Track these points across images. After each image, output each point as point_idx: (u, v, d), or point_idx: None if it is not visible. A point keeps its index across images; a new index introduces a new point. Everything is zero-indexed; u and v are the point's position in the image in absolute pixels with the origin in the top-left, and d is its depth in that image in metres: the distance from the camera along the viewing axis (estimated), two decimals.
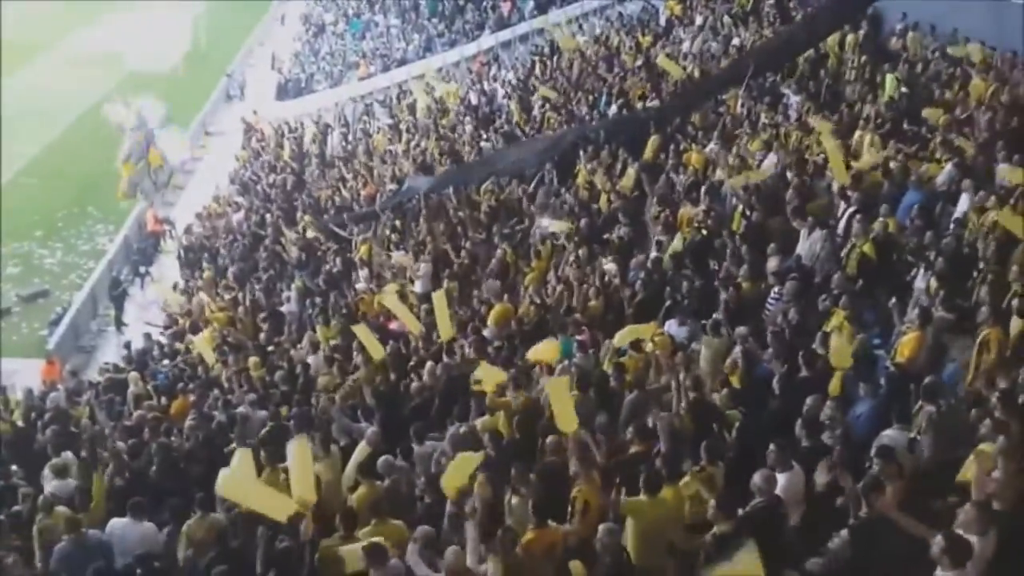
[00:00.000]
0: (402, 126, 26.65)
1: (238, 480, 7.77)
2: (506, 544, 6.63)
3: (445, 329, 11.83)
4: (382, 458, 8.66)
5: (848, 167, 12.77)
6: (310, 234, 19.64)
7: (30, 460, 11.19)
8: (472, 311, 13.24)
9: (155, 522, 8.56)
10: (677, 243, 12.84)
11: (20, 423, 13.31)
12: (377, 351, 11.64)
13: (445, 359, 11.36)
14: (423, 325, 12.81)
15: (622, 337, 10.22)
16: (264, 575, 7.24)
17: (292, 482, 7.63)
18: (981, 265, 9.80)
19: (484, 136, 22.21)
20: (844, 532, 6.13)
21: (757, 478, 6.76)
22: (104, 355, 20.50)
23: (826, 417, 7.72)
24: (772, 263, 11.39)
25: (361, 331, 12.03)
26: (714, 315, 10.45)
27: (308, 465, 7.80)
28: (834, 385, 8.37)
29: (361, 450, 9.04)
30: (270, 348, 14.58)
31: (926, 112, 14.72)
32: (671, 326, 10.85)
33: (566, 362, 10.26)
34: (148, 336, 17.89)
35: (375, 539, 7.01)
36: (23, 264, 26.45)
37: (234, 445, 9.77)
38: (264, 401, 11.54)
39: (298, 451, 7.86)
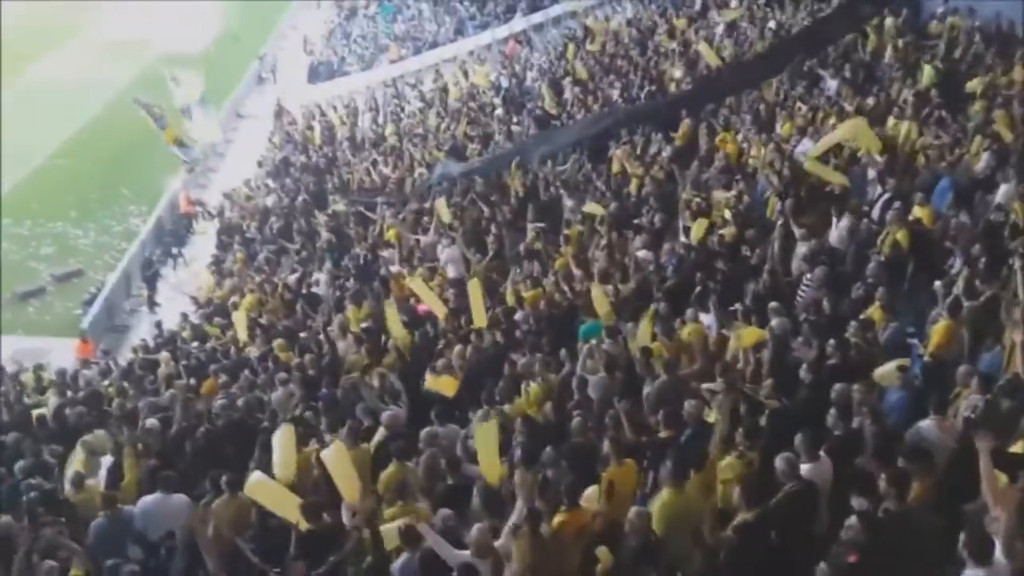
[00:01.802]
0: (433, 109, 26.62)
1: (265, 485, 7.86)
2: (532, 526, 6.62)
3: (479, 316, 11.83)
4: (426, 430, 8.73)
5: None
6: (341, 216, 19.71)
7: (63, 438, 11.30)
8: (501, 296, 13.21)
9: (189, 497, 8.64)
10: (698, 230, 12.73)
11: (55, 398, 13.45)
12: (400, 334, 11.67)
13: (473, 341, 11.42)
14: (452, 308, 12.83)
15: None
16: (297, 555, 7.28)
17: (341, 489, 7.80)
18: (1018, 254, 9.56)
19: (515, 120, 22.14)
20: (854, 519, 6.02)
21: (779, 463, 6.71)
22: (137, 334, 20.72)
23: (857, 402, 7.62)
24: (802, 249, 11.28)
25: (390, 312, 12.08)
26: (746, 301, 10.35)
27: (349, 468, 7.94)
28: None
29: (380, 433, 9.11)
30: (303, 331, 14.61)
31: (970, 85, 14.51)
32: (701, 312, 10.76)
33: (593, 342, 10.25)
34: (184, 316, 18.07)
35: (410, 521, 7.03)
36: (57, 244, 26.75)
37: (265, 424, 9.86)
38: (293, 382, 11.57)
39: (336, 456, 8.00)
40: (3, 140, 29.93)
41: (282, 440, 8.39)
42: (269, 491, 7.77)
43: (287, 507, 7.54)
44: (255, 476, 7.99)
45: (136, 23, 44.36)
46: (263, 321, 15.32)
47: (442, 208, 16.07)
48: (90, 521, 8.50)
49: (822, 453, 7.02)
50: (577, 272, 12.78)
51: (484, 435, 8.04)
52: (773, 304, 9.86)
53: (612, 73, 22.36)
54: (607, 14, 29.90)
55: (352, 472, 7.96)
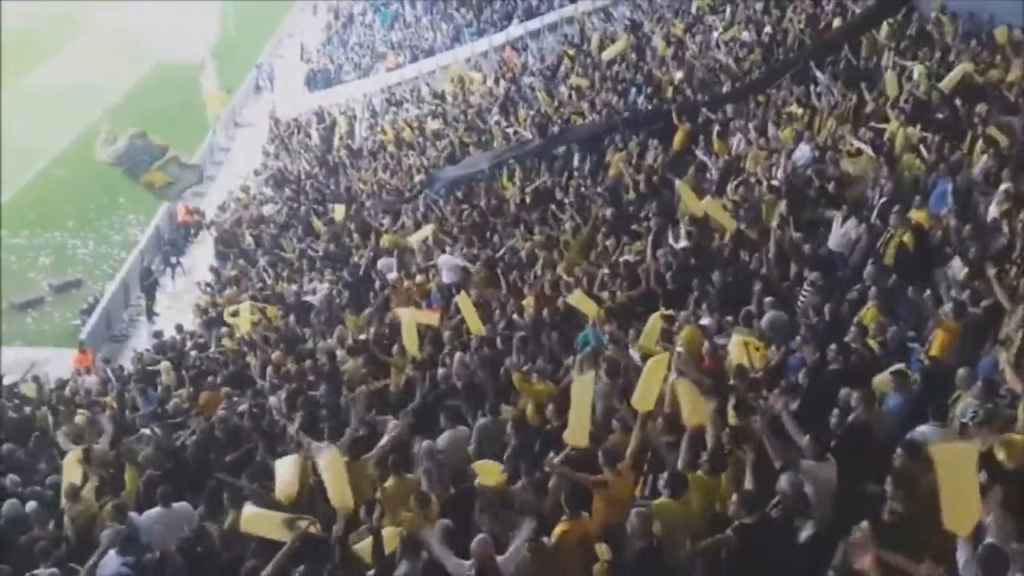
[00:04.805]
0: (430, 117, 26.64)
1: (258, 516, 7.81)
2: (534, 536, 6.61)
3: (474, 324, 11.83)
4: (425, 443, 8.72)
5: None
6: (339, 225, 19.73)
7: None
8: (501, 303, 13.17)
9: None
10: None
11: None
12: (412, 343, 11.64)
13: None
14: (451, 316, 12.80)
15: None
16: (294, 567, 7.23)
17: (330, 493, 7.69)
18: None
19: (511, 126, 22.14)
20: (865, 524, 5.99)
21: (783, 482, 6.66)
22: (136, 344, 20.70)
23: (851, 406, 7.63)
24: (799, 253, 11.28)
25: (405, 316, 12.05)
26: (746, 307, 10.33)
27: (341, 474, 7.85)
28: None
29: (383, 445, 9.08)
30: (300, 340, 14.57)
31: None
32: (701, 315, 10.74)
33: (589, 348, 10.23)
34: (179, 327, 18.02)
35: (410, 531, 7.01)
36: (56, 254, 26.78)
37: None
38: (293, 394, 11.53)
39: (330, 462, 7.91)
40: (3, 147, 29.93)
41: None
42: (264, 521, 7.69)
43: (282, 530, 7.47)
44: (248, 510, 7.91)
45: (135, 30, 44.49)
46: (260, 333, 15.27)
47: None
48: (88, 531, 8.48)
49: (830, 456, 6.99)
50: (573, 278, 12.76)
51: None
52: (771, 313, 9.86)
53: (610, 79, 22.34)
54: (603, 20, 29.89)
55: (344, 479, 7.88)
